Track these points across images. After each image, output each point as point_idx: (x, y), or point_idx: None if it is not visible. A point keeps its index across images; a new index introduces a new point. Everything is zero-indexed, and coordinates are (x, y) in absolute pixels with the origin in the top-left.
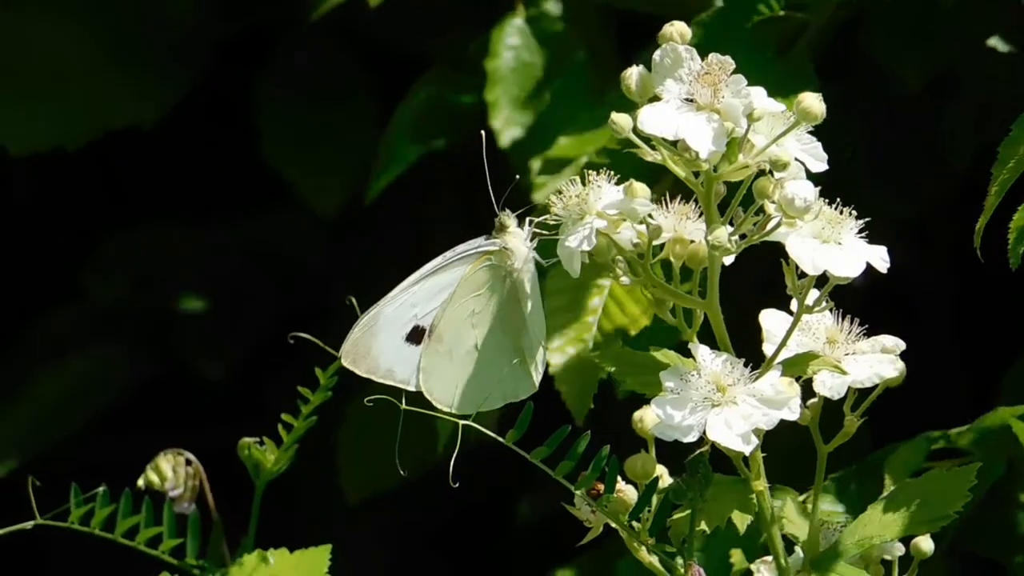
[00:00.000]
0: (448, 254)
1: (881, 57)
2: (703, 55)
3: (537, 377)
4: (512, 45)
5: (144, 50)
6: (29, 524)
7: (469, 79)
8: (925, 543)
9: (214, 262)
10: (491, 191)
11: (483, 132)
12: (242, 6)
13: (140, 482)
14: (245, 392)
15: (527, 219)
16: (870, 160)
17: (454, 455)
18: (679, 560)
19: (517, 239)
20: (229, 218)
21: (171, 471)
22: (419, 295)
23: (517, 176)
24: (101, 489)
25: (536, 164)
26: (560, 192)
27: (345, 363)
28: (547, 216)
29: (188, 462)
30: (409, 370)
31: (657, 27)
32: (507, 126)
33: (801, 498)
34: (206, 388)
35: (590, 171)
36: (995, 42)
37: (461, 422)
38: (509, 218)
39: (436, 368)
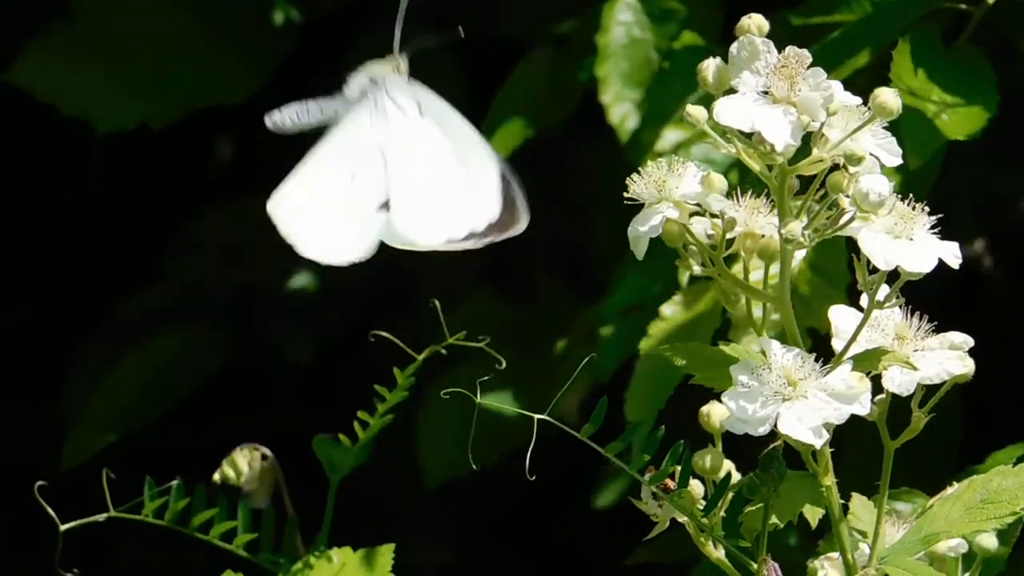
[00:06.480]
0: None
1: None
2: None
3: None
4: (623, 21)
5: (233, 27)
6: (102, 516)
7: (573, 58)
8: (988, 540)
9: None
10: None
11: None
12: None
13: (216, 477)
14: (328, 375)
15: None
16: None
17: (530, 449)
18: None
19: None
20: None
21: (247, 466)
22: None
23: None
24: (175, 482)
25: (657, 135)
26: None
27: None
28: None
29: (264, 457)
30: None
31: (767, 4)
32: (617, 101)
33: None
34: (290, 369)
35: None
36: None
37: (537, 416)
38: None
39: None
